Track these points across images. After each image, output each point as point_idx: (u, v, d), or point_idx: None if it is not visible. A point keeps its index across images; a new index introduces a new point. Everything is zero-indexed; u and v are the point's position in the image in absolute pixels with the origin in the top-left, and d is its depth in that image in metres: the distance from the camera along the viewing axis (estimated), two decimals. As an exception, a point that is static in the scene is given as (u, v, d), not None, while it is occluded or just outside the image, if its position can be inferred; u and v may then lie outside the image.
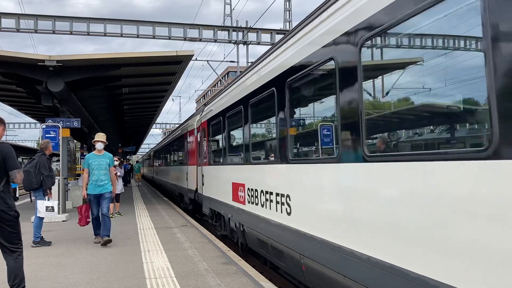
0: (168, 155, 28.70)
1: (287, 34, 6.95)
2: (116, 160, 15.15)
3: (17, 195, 12.82)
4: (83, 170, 10.16)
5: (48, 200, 9.49)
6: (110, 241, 9.41)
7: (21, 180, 5.57)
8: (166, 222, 13.34)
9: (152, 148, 50.90)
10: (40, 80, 15.00)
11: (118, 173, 14.76)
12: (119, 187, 15.12)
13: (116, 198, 14.69)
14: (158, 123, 67.15)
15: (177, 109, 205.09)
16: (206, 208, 12.93)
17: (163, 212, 16.05)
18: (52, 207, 9.40)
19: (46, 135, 14.86)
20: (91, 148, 34.32)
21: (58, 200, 13.75)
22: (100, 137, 10.13)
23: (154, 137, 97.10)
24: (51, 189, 9.68)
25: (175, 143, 23.97)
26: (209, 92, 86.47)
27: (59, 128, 15.13)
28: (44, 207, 9.35)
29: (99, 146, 9.99)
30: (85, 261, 7.88)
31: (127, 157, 48.23)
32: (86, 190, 9.76)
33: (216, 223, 12.01)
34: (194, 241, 9.84)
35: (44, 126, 15.47)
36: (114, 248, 9.10)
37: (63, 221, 13.60)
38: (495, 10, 2.80)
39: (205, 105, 16.30)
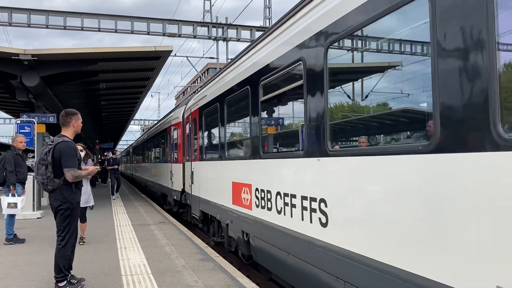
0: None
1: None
2: (81, 150, 8.66)
3: None
4: None
5: (13, 196, 9.23)
6: None
7: None
8: (144, 219, 13.23)
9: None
10: (15, 74, 14.64)
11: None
12: (85, 198, 8.49)
13: (81, 216, 8.59)
14: (137, 119, 66.36)
15: (156, 105, 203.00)
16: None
17: (141, 209, 15.92)
18: (15, 204, 9.12)
19: (21, 131, 14.56)
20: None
21: (33, 196, 13.50)
22: None
23: (133, 133, 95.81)
24: (15, 185, 9.37)
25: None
26: (188, 88, 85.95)
27: (34, 123, 14.85)
28: (6, 204, 9.13)
29: None
30: (59, 259, 7.75)
31: (105, 153, 47.36)
32: None
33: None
34: (172, 238, 9.80)
35: (18, 122, 15.15)
36: (90, 246, 8.98)
37: (38, 218, 13.37)
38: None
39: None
